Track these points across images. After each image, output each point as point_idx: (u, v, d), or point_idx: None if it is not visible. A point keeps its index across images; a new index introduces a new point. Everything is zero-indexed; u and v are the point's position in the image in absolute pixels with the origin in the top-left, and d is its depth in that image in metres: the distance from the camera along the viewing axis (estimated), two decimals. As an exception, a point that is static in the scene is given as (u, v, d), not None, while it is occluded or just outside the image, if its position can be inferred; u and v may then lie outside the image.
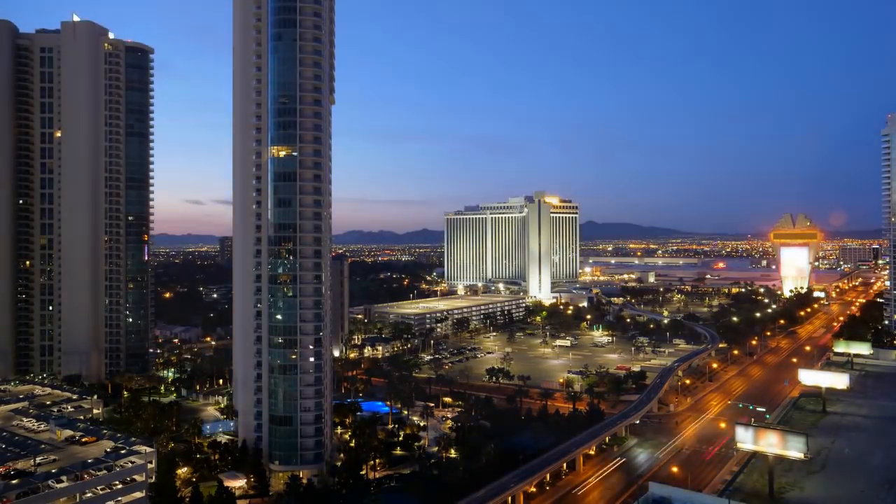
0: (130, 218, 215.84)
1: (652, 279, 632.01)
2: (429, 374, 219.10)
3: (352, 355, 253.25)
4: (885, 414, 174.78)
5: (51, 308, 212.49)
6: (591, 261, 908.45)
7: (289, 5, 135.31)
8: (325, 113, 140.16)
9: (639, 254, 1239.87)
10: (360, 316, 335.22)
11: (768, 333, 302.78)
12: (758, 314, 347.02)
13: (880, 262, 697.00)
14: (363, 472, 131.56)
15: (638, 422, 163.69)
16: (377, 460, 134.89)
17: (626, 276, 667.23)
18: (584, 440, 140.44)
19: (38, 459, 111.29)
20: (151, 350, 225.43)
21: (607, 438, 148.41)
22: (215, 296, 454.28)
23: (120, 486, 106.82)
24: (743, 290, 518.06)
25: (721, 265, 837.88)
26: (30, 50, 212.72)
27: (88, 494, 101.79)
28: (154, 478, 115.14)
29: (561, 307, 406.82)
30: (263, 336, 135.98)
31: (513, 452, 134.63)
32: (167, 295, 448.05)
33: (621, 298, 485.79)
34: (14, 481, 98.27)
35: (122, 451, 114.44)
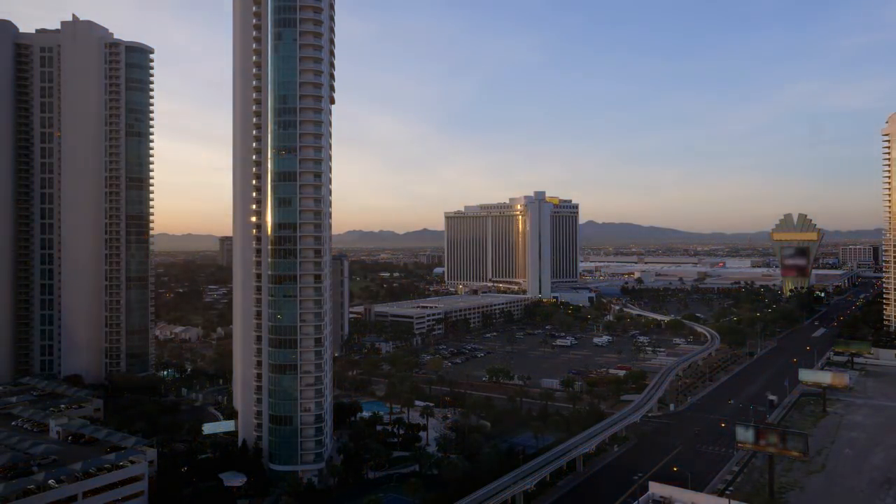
0: (130, 218, 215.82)
1: (652, 279, 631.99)
2: (429, 374, 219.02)
3: (352, 355, 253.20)
4: (884, 414, 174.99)
5: (51, 308, 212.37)
6: (590, 261, 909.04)
7: (289, 5, 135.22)
8: (325, 113, 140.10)
9: (639, 254, 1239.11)
10: (360, 316, 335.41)
11: (769, 333, 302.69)
12: (758, 314, 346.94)
13: (881, 261, 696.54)
14: (363, 472, 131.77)
15: (638, 421, 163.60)
16: (377, 460, 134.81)
17: (626, 276, 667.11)
18: (584, 440, 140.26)
19: (38, 459, 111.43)
20: (151, 350, 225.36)
21: (607, 438, 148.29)
22: (215, 296, 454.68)
23: (120, 486, 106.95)
24: (743, 289, 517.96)
25: (721, 265, 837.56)
26: (30, 50, 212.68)
27: (88, 494, 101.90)
28: (154, 478, 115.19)
29: (561, 307, 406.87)
30: (263, 336, 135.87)
31: (513, 452, 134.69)
32: (167, 295, 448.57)
33: (621, 298, 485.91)
34: (14, 481, 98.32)
35: (123, 451, 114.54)
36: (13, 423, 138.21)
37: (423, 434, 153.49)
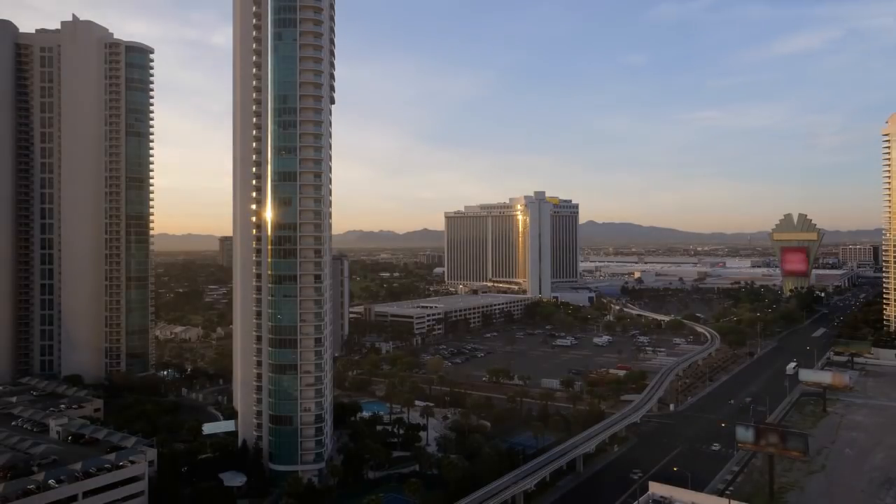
0: (130, 218, 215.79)
1: (652, 279, 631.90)
2: (429, 374, 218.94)
3: (352, 355, 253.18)
4: (884, 414, 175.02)
5: (51, 308, 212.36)
6: (590, 260, 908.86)
7: (289, 5, 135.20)
8: (325, 113, 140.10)
9: (639, 254, 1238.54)
10: (360, 316, 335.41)
11: (769, 333, 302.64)
12: (758, 314, 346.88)
13: (881, 261, 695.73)
14: (363, 472, 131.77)
15: (638, 421, 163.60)
16: (377, 460, 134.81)
17: (626, 276, 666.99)
18: (583, 440, 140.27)
19: (38, 459, 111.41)
20: (151, 350, 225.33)
21: (607, 438, 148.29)
22: (215, 296, 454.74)
23: (120, 486, 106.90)
24: (743, 289, 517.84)
25: (721, 265, 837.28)
26: (30, 50, 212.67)
27: (88, 494, 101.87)
28: (154, 478, 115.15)
29: (561, 307, 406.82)
30: (264, 336, 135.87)
31: (513, 452, 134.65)
32: (167, 295, 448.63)
33: (621, 298, 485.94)
34: (14, 481, 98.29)
35: (123, 451, 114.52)
36: (13, 423, 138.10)
37: (423, 434, 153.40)
